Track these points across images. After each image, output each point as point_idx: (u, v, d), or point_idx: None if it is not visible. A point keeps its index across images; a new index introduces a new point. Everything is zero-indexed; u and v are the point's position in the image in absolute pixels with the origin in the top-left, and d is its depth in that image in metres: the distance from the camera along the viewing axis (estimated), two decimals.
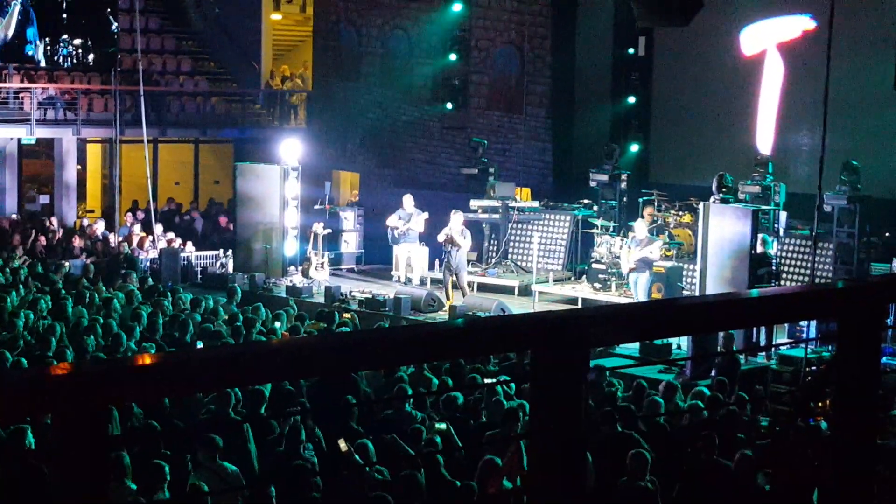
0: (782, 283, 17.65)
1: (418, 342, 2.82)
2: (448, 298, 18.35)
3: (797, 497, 6.09)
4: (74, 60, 26.98)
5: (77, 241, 22.26)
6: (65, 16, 25.94)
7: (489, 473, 8.39)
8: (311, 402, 11.16)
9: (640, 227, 17.86)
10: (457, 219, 18.81)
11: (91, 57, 27.01)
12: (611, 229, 19.77)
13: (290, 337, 13.97)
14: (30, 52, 25.44)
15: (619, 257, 18.50)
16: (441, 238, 18.74)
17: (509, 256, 21.37)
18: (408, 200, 20.47)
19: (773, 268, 16.27)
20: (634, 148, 22.71)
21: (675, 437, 10.05)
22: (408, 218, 20.20)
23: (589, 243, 20.23)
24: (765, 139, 18.26)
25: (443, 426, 9.80)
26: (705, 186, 17.57)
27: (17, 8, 25.21)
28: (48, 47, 25.83)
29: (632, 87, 23.04)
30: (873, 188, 17.66)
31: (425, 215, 20.20)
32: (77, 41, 26.72)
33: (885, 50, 18.84)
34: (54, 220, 25.01)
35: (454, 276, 18.58)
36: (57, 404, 2.34)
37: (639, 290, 17.46)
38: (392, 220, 20.31)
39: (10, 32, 25.33)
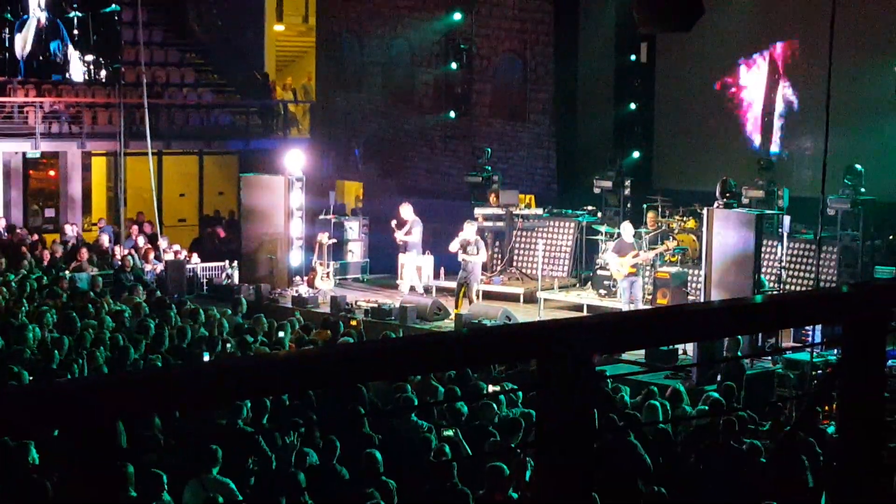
0: (787, 287, 17.64)
1: (423, 351, 2.83)
2: (457, 307, 18.34)
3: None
4: (87, 76, 26.98)
5: (84, 255, 22.26)
6: (76, 32, 25.97)
7: (496, 482, 8.38)
8: (315, 412, 11.16)
9: (627, 230, 17.87)
10: (470, 229, 18.79)
11: (103, 73, 27.00)
12: (615, 235, 19.78)
13: (296, 349, 13.97)
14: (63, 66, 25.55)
15: (607, 265, 18.50)
16: (454, 247, 18.68)
17: (514, 264, 21.37)
18: (404, 210, 20.29)
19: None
20: (637, 154, 22.72)
21: (681, 442, 10.04)
22: (402, 226, 20.08)
23: (593, 250, 20.24)
24: (768, 144, 18.27)
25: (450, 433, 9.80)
26: (709, 191, 17.58)
27: (34, 23, 25.26)
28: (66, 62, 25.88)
29: (634, 94, 23.05)
30: (877, 191, 17.66)
31: (409, 226, 19.94)
32: (89, 57, 26.71)
33: (887, 53, 18.86)
34: (68, 229, 25.00)
35: (466, 286, 18.55)
36: (65, 418, 2.35)
37: (635, 293, 17.45)
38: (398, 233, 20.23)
39: (28, 48, 25.39)
